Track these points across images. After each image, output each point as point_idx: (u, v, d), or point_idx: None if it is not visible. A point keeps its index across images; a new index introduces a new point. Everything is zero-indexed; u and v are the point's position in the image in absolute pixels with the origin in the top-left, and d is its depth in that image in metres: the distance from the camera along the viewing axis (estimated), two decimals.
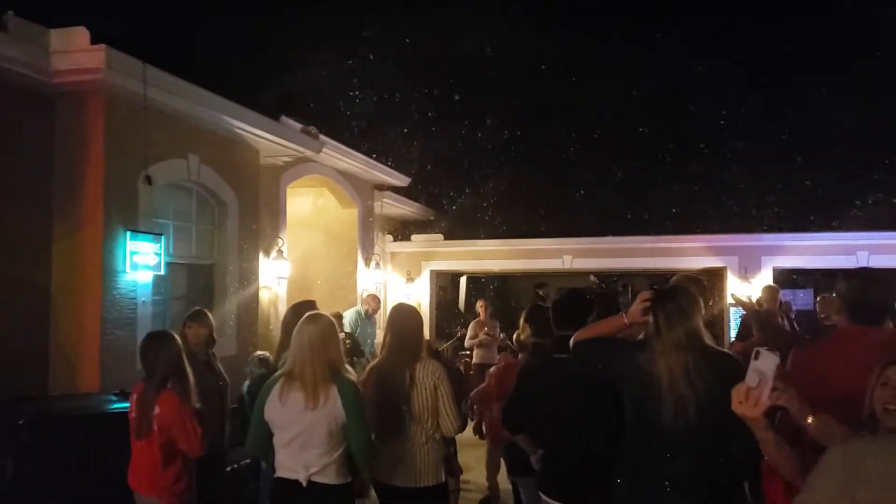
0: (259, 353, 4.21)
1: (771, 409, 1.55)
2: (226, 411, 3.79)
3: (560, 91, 13.89)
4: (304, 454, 2.40)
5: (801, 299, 8.53)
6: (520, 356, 3.87)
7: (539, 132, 13.93)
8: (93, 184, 4.64)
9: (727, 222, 9.83)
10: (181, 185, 5.64)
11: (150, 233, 4.96)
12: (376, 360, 2.92)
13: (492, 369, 4.84)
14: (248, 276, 6.30)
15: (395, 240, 10.11)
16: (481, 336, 7.47)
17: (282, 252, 6.85)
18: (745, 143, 12.57)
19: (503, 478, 4.74)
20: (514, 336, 4.06)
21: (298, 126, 6.81)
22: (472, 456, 4.96)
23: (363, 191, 8.95)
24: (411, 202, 10.69)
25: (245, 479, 4.10)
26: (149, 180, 4.95)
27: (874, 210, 9.21)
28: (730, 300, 7.64)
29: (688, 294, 2.13)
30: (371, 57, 11.74)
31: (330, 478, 2.41)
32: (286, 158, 6.82)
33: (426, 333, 7.21)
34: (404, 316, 2.85)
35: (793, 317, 5.78)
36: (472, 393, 4.70)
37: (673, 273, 6.80)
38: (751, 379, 1.50)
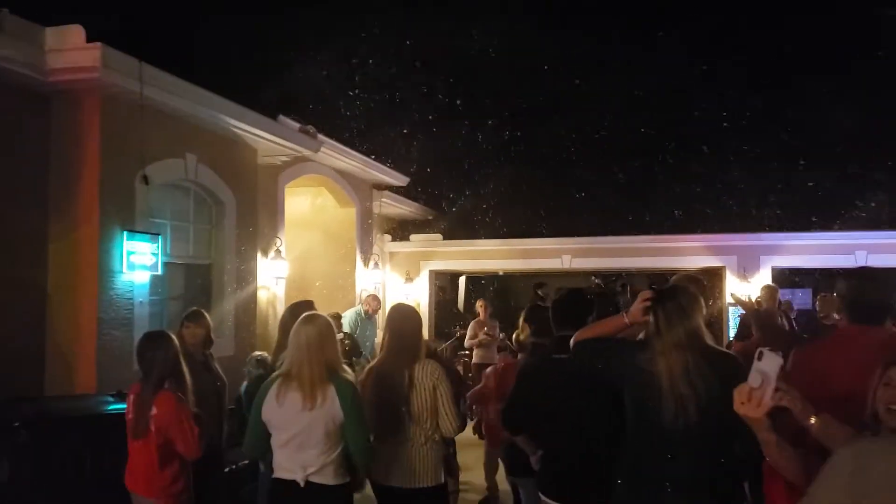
0: (257, 353, 4.18)
1: (773, 410, 1.53)
2: (223, 412, 3.77)
3: (559, 90, 13.89)
4: (301, 454, 2.39)
5: (800, 299, 8.53)
6: (519, 356, 3.85)
7: (538, 131, 13.93)
8: (89, 183, 4.61)
9: (726, 222, 9.82)
10: (178, 184, 5.62)
11: (147, 232, 4.94)
12: (375, 360, 2.90)
13: (488, 369, 4.83)
14: (246, 275, 6.28)
15: (394, 239, 10.09)
16: (481, 336, 7.45)
17: (280, 252, 6.83)
18: (744, 142, 12.59)
19: (502, 478, 4.74)
20: (514, 336, 4.05)
21: (296, 125, 6.79)
22: (472, 456, 4.94)
23: (361, 190, 8.93)
24: (410, 202, 10.68)
25: (243, 479, 4.08)
26: (146, 180, 4.93)
27: (873, 209, 9.21)
28: (729, 300, 7.64)
29: (688, 293, 2.12)
30: (369, 56, 11.74)
31: (328, 478, 2.41)
32: (284, 158, 6.80)
33: (425, 334, 7.22)
34: (403, 316, 2.84)
35: (794, 316, 5.78)
36: (469, 393, 4.68)
37: (672, 273, 6.79)
38: (753, 379, 1.48)
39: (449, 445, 3.59)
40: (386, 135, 10.91)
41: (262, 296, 6.62)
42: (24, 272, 4.51)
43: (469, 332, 7.71)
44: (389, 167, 9.20)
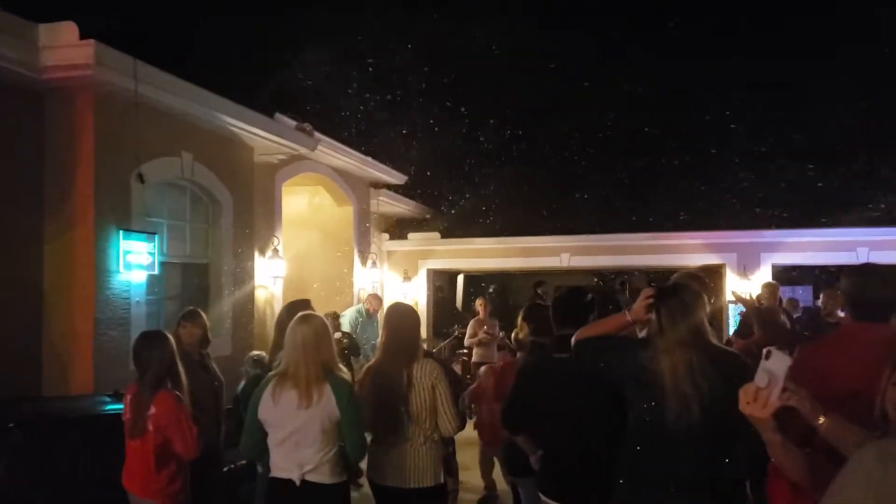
0: (254, 353, 4.16)
1: (778, 410, 1.50)
2: (221, 412, 3.75)
3: (559, 89, 13.88)
4: (297, 453, 2.39)
5: (800, 296, 8.50)
6: (518, 355, 3.83)
7: (536, 129, 13.91)
8: (84, 182, 4.58)
9: (726, 219, 9.80)
10: (175, 183, 5.58)
11: (143, 232, 4.90)
12: (373, 359, 2.87)
13: (482, 368, 4.80)
14: (244, 275, 6.25)
15: (392, 238, 10.05)
16: (480, 335, 7.42)
17: (277, 251, 6.80)
18: (744, 140, 12.57)
19: (500, 476, 4.72)
20: (513, 335, 4.02)
21: (293, 123, 6.75)
22: (471, 455, 4.92)
23: (359, 189, 8.89)
24: (408, 200, 10.64)
25: (241, 479, 4.06)
26: (141, 178, 4.90)
27: (874, 206, 9.19)
28: (730, 297, 7.61)
29: (691, 290, 2.09)
30: (367, 55, 11.71)
31: (324, 477, 2.41)
32: (281, 156, 6.77)
33: (423, 333, 7.17)
34: (401, 315, 2.82)
35: (799, 314, 5.75)
36: (467, 392, 4.66)
37: (672, 270, 6.77)
38: (760, 379, 1.45)
39: (448, 445, 3.57)
40: (383, 133, 10.88)
41: (260, 295, 6.59)
42: (20, 272, 4.47)
43: (469, 331, 7.68)
44: (387, 166, 9.16)
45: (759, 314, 3.18)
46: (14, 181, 4.47)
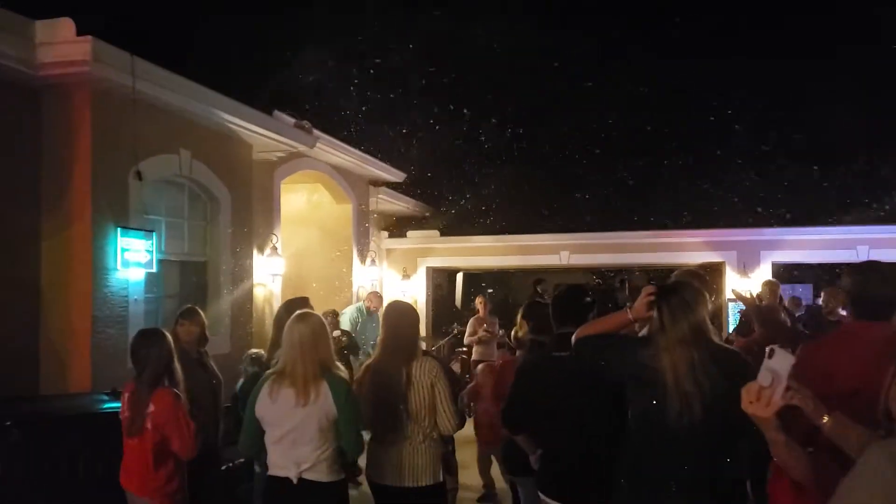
0: (253, 350, 4.15)
1: (781, 409, 1.48)
2: (219, 410, 3.74)
3: (558, 87, 13.84)
4: (294, 451, 2.39)
5: (800, 294, 8.50)
6: (517, 353, 3.81)
7: (535, 128, 13.88)
8: (81, 179, 4.55)
9: (726, 217, 9.78)
10: (173, 180, 5.56)
11: (141, 229, 4.88)
12: (371, 358, 2.86)
13: (479, 366, 4.78)
14: (242, 272, 6.22)
15: (391, 236, 10.03)
16: (480, 333, 7.40)
17: (276, 248, 6.77)
18: (744, 139, 12.55)
19: (498, 475, 4.71)
20: (512, 333, 4.00)
21: (291, 121, 6.72)
22: (470, 454, 4.90)
23: (358, 186, 8.87)
24: (407, 198, 10.62)
25: (239, 478, 4.05)
26: (139, 175, 4.87)
27: (875, 204, 9.17)
28: (730, 295, 7.60)
29: (693, 288, 2.08)
30: (366, 53, 11.66)
31: (321, 475, 2.40)
32: (279, 154, 6.74)
33: (422, 331, 7.14)
34: (400, 313, 2.81)
35: (802, 312, 5.73)
36: (465, 390, 4.65)
37: (671, 268, 6.76)
38: (763, 378, 1.43)
39: (447, 443, 3.56)
40: (383, 132, 10.84)
41: (259, 293, 6.57)
42: (17, 270, 4.45)
43: (468, 329, 7.66)
44: (386, 164, 9.13)
45: (759, 312, 3.16)
46: (11, 178, 4.45)
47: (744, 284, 7.67)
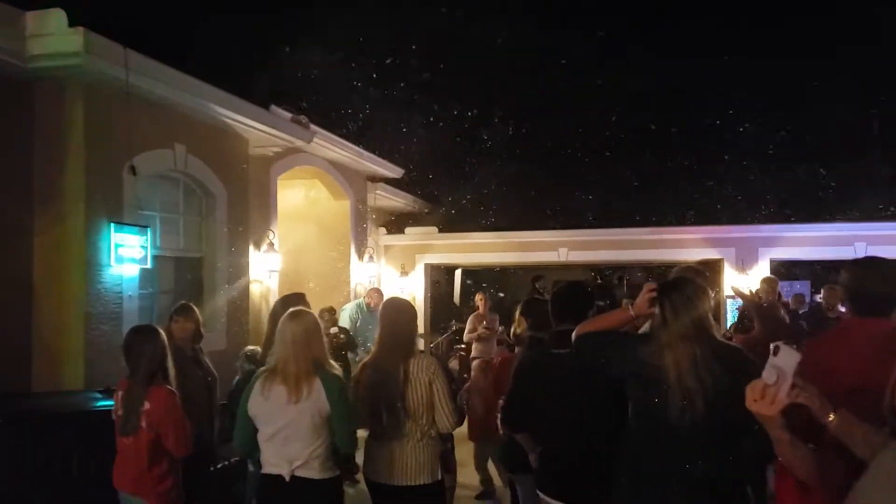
0: (248, 348, 4.11)
1: (785, 407, 1.45)
2: (214, 407, 3.71)
3: (557, 84, 13.78)
4: (287, 448, 2.38)
5: (798, 291, 8.48)
6: (516, 350, 3.78)
7: (534, 124, 13.83)
8: (74, 174, 4.49)
9: (724, 214, 9.76)
10: (167, 175, 5.50)
11: (135, 225, 4.83)
12: (368, 355, 2.83)
13: (474, 363, 4.75)
14: (238, 269, 6.17)
15: (389, 233, 9.98)
16: (480, 330, 7.36)
17: (273, 245, 6.72)
18: (743, 138, 12.53)
19: (495, 472, 4.69)
20: (511, 330, 3.98)
21: (288, 115, 6.65)
22: (468, 452, 4.88)
23: (355, 182, 8.81)
24: (405, 194, 10.57)
25: (235, 476, 4.02)
26: (133, 170, 4.81)
27: (873, 201, 9.16)
28: (729, 292, 7.59)
29: (695, 284, 2.05)
30: (364, 49, 11.59)
31: (314, 472, 2.39)
32: (276, 149, 6.68)
33: (420, 328, 7.11)
34: (397, 310, 2.78)
35: (805, 310, 5.72)
36: (464, 388, 4.62)
37: (670, 265, 6.73)
38: (768, 375, 1.40)
39: (447, 441, 3.53)
40: (381, 128, 10.78)
41: (255, 289, 6.52)
42: (9, 266, 4.39)
43: (468, 326, 7.63)
44: (384, 160, 9.07)
45: (759, 309, 3.14)
46: (2, 173, 4.39)
47: (742, 281, 7.67)
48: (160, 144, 5.17)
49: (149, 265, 4.94)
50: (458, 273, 11.99)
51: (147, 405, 2.71)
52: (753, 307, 3.18)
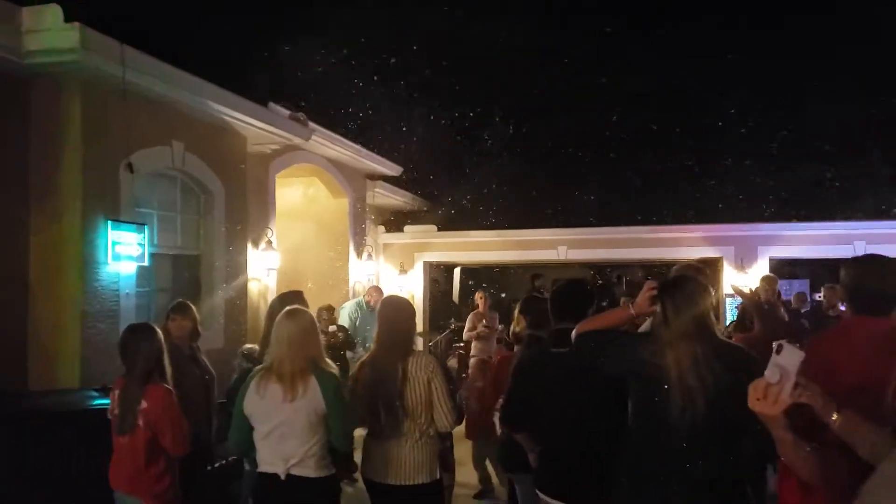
0: (246, 346, 4.09)
1: (788, 407, 1.43)
2: (212, 406, 3.69)
3: (557, 84, 13.76)
4: (282, 446, 2.37)
5: (797, 290, 8.47)
6: (515, 348, 3.77)
7: (533, 123, 13.81)
8: (71, 171, 4.46)
9: (723, 212, 9.75)
10: (165, 173, 5.47)
11: (132, 222, 4.81)
12: (367, 354, 2.81)
13: (471, 360, 4.74)
14: (236, 267, 6.15)
15: (388, 231, 9.96)
16: (480, 328, 7.34)
17: (271, 243, 6.70)
18: (742, 137, 12.52)
19: (493, 469, 4.68)
20: (511, 329, 3.96)
21: (286, 112, 6.63)
22: (467, 451, 4.86)
23: (354, 180, 8.78)
24: (404, 192, 10.54)
25: (232, 475, 4.00)
26: (131, 168, 4.79)
27: (872, 200, 9.15)
28: (728, 291, 7.58)
29: (696, 282, 2.04)
30: (363, 47, 11.55)
31: (309, 470, 2.38)
32: (274, 146, 6.65)
33: (419, 326, 7.08)
34: (395, 308, 2.76)
35: (808, 308, 5.71)
36: (463, 387, 4.62)
37: (669, 264, 6.72)
38: (771, 374, 1.38)
39: (446, 440, 3.52)
40: (380, 126, 10.76)
41: (253, 287, 6.50)
42: (5, 264, 4.36)
43: (467, 325, 7.60)
44: (383, 158, 9.05)
45: (759, 307, 3.12)
46: None
47: (741, 280, 7.65)
48: (158, 142, 5.14)
49: (146, 263, 4.92)
50: (456, 271, 11.98)
51: (144, 404, 2.69)
52: (753, 306, 3.16)
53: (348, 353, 5.86)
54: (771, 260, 8.49)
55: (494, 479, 4.75)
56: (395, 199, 10.23)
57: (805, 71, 13.27)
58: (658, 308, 2.00)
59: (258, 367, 2.53)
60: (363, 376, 2.67)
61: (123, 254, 4.68)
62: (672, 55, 14.09)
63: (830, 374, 1.83)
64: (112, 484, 2.81)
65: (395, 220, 10.46)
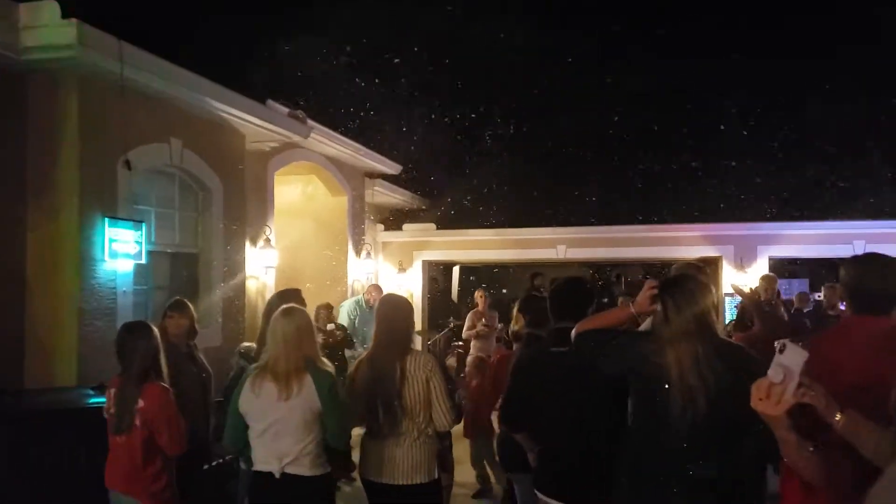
0: (244, 344, 4.07)
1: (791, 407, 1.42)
2: (209, 404, 3.67)
3: (557, 83, 13.74)
4: (277, 444, 2.37)
5: (797, 289, 8.47)
6: (514, 347, 3.75)
7: (533, 121, 13.80)
8: (68, 168, 4.44)
9: (723, 212, 9.75)
10: (163, 170, 5.45)
11: (130, 220, 4.78)
12: (365, 352, 2.79)
13: (468, 359, 4.72)
14: (235, 265, 6.13)
15: (387, 229, 9.94)
16: (479, 327, 7.32)
17: (269, 241, 6.68)
18: (742, 136, 12.51)
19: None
20: (509, 327, 3.95)
21: (285, 110, 6.60)
22: (465, 450, 4.85)
23: (353, 178, 8.76)
24: (403, 190, 10.53)
25: (229, 473, 3.98)
26: (128, 165, 4.77)
27: (871, 199, 9.15)
28: (728, 290, 7.57)
29: (696, 280, 2.02)
30: (362, 45, 11.52)
31: (304, 469, 2.38)
32: (273, 144, 6.63)
33: (418, 325, 7.05)
34: (393, 306, 2.74)
35: (810, 308, 5.70)
36: (462, 386, 4.61)
37: (668, 263, 6.71)
38: (774, 374, 1.36)
39: (444, 439, 3.50)
40: (380, 124, 10.73)
41: (251, 286, 6.48)
42: (2, 261, 4.34)
43: (467, 323, 7.59)
44: (383, 156, 9.02)
45: (759, 307, 3.11)
46: None
47: (741, 279, 7.65)
48: (156, 138, 5.12)
49: (143, 261, 4.89)
50: (455, 270, 11.97)
51: (141, 403, 2.67)
52: (753, 305, 3.15)
53: (347, 352, 5.84)
54: (770, 259, 8.49)
55: (493, 479, 4.74)
56: (395, 197, 10.22)
57: (805, 71, 13.26)
58: (659, 307, 1.99)
59: (254, 365, 2.53)
60: (361, 375, 2.65)
61: (121, 251, 4.65)
62: (672, 55, 14.09)
63: (830, 373, 1.81)
64: (108, 483, 2.79)
65: (394, 219, 10.44)
